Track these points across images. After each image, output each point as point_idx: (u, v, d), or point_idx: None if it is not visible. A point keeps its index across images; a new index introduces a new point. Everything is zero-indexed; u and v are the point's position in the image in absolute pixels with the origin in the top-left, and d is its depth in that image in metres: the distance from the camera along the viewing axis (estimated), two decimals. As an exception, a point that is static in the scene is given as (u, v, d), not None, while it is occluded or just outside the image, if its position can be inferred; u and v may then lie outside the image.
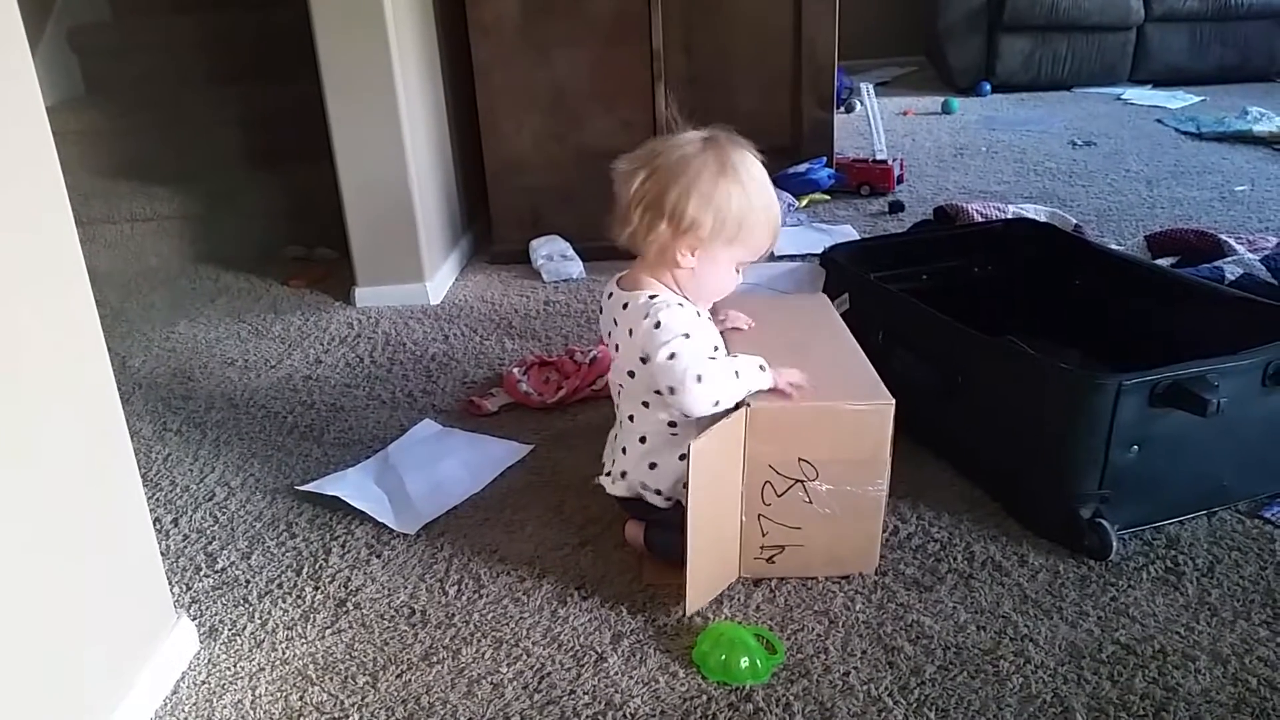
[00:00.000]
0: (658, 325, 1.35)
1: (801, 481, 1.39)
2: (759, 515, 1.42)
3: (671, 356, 1.33)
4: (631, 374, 1.42)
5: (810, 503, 1.41)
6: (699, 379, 1.32)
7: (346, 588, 1.51)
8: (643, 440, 1.45)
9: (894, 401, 1.37)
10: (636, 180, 1.37)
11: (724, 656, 1.28)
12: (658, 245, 1.39)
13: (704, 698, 1.26)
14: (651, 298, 1.39)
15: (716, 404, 1.35)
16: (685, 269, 1.40)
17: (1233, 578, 1.42)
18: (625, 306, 1.42)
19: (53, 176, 1.16)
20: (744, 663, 1.27)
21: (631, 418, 1.46)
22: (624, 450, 1.48)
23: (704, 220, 1.35)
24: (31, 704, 1.09)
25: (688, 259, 1.39)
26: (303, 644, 1.40)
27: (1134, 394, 1.41)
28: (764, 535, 1.43)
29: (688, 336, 1.35)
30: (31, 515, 1.10)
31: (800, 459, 1.38)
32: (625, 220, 1.39)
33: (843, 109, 4.38)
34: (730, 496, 1.40)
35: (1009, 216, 2.60)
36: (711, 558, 1.40)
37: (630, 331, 1.39)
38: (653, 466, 1.45)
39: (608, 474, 1.52)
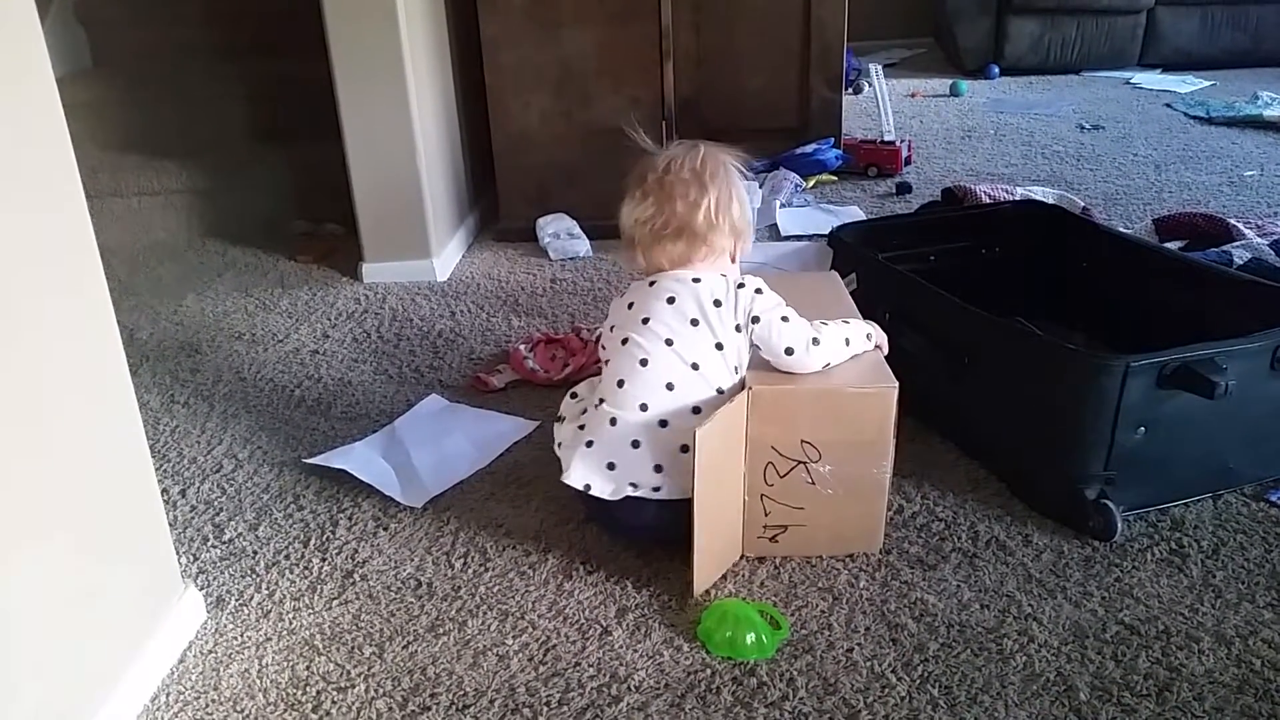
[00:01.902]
0: (759, 291, 1.42)
1: (804, 463, 1.40)
2: (761, 495, 1.42)
3: (786, 319, 1.41)
4: (720, 345, 1.40)
5: (813, 484, 1.41)
6: (815, 341, 1.40)
7: (353, 559, 1.51)
8: None
9: (897, 384, 1.38)
10: (708, 197, 1.43)
11: (729, 633, 1.28)
12: (729, 247, 1.47)
13: (708, 671, 1.26)
14: (723, 275, 1.44)
15: (827, 365, 1.41)
16: (735, 262, 1.48)
17: (1237, 560, 1.42)
18: (697, 280, 1.42)
19: (63, 149, 1.16)
20: (750, 639, 1.28)
21: (698, 409, 1.39)
22: (683, 449, 1.38)
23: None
24: (40, 672, 1.10)
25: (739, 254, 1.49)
26: (310, 614, 1.40)
27: (1141, 375, 1.41)
28: (766, 515, 1.44)
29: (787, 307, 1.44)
30: (41, 485, 1.11)
31: (803, 441, 1.39)
32: (708, 233, 1.44)
33: (851, 90, 4.36)
34: (733, 477, 1.40)
35: (1017, 198, 2.59)
36: (716, 537, 1.41)
37: (717, 302, 1.41)
38: None
39: (655, 488, 1.40)
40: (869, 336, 1.48)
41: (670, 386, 1.40)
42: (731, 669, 1.26)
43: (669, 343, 1.40)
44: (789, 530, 1.44)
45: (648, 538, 1.46)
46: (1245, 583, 1.38)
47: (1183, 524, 1.50)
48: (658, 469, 1.40)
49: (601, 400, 1.43)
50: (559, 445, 1.51)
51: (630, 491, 1.39)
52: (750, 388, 1.37)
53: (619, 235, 1.52)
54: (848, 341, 1.44)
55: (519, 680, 1.27)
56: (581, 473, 1.42)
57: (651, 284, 1.45)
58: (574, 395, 1.55)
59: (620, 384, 1.41)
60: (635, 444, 1.40)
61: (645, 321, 1.42)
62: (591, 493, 1.41)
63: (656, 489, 1.39)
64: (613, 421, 1.41)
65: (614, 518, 1.46)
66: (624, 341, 1.43)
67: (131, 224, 3.06)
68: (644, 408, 1.40)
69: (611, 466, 1.41)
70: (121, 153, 3.15)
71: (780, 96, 3.35)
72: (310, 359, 2.20)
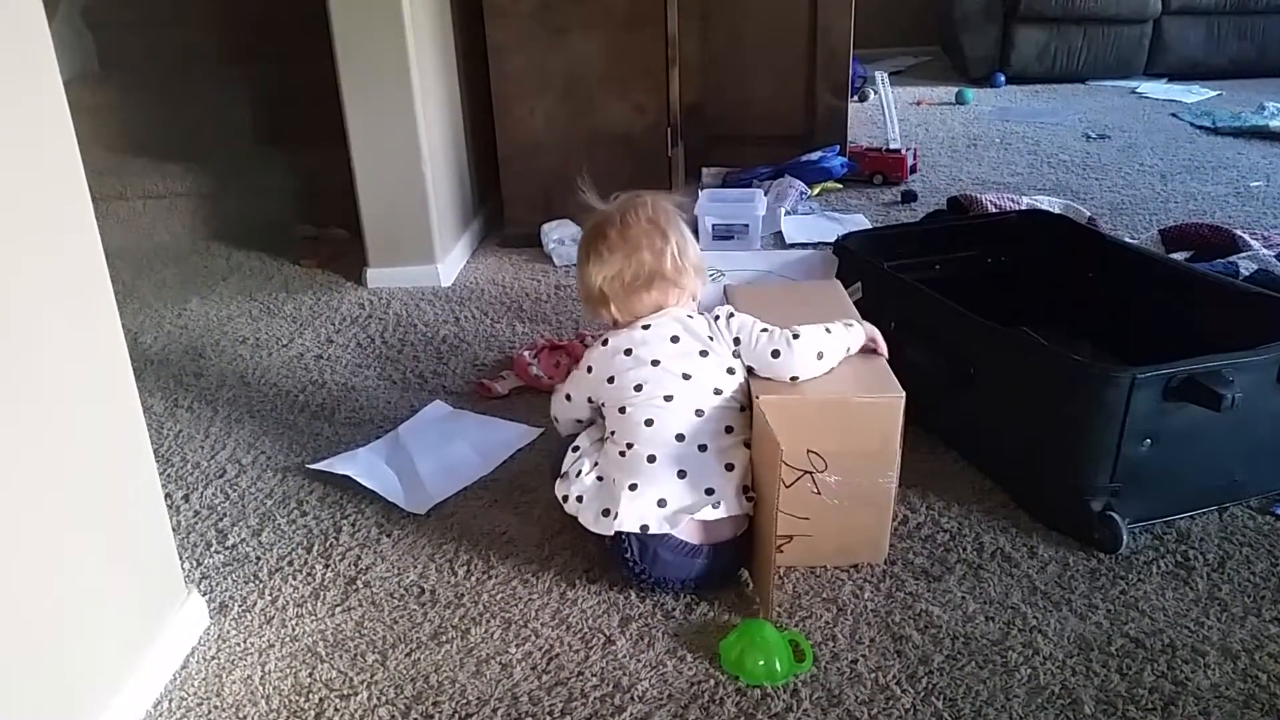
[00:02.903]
0: (732, 315, 1.48)
1: (810, 473, 1.39)
2: None
3: (765, 330, 1.45)
4: (731, 370, 1.44)
5: (819, 494, 1.40)
6: (796, 336, 1.43)
7: (357, 566, 1.51)
8: (749, 442, 1.43)
9: (904, 394, 1.37)
10: (670, 243, 1.48)
11: (740, 652, 1.27)
12: (694, 288, 1.52)
13: (711, 682, 1.26)
14: (701, 313, 1.51)
15: (821, 356, 1.43)
16: (696, 301, 1.54)
17: (1243, 574, 1.42)
18: (691, 317, 1.48)
19: (70, 152, 1.16)
20: (760, 663, 1.26)
21: (730, 429, 1.42)
22: (729, 468, 1.39)
23: None
24: (41, 676, 1.10)
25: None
26: (313, 621, 1.40)
27: (1148, 388, 1.40)
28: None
29: None
30: (45, 489, 1.11)
31: (809, 451, 1.38)
32: (677, 277, 1.49)
33: (856, 97, 4.37)
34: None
35: (1023, 208, 2.59)
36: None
37: (711, 338, 1.46)
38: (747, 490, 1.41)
39: (714, 505, 1.38)
40: (849, 326, 1.47)
41: (700, 413, 1.41)
42: (735, 680, 1.26)
43: (687, 376, 1.42)
44: (794, 540, 1.44)
45: (697, 573, 1.39)
46: (1251, 596, 1.37)
47: (1188, 537, 1.50)
48: (709, 491, 1.38)
49: (630, 444, 1.40)
50: (577, 499, 1.43)
51: (689, 516, 1.36)
52: (757, 398, 1.37)
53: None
54: (828, 330, 1.45)
55: (522, 689, 1.26)
56: (634, 515, 1.36)
57: (646, 327, 1.47)
58: (575, 449, 1.49)
59: (649, 423, 1.40)
60: (682, 474, 1.38)
61: (656, 364, 1.43)
62: (651, 531, 1.36)
63: (715, 505, 1.37)
64: (651, 459, 1.39)
65: (663, 560, 1.37)
66: (638, 388, 1.42)
67: (136, 227, 3.06)
68: (680, 438, 1.40)
69: (663, 503, 1.37)
70: (127, 156, 3.15)
71: (786, 104, 3.37)
72: (314, 364, 2.20)
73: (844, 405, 1.39)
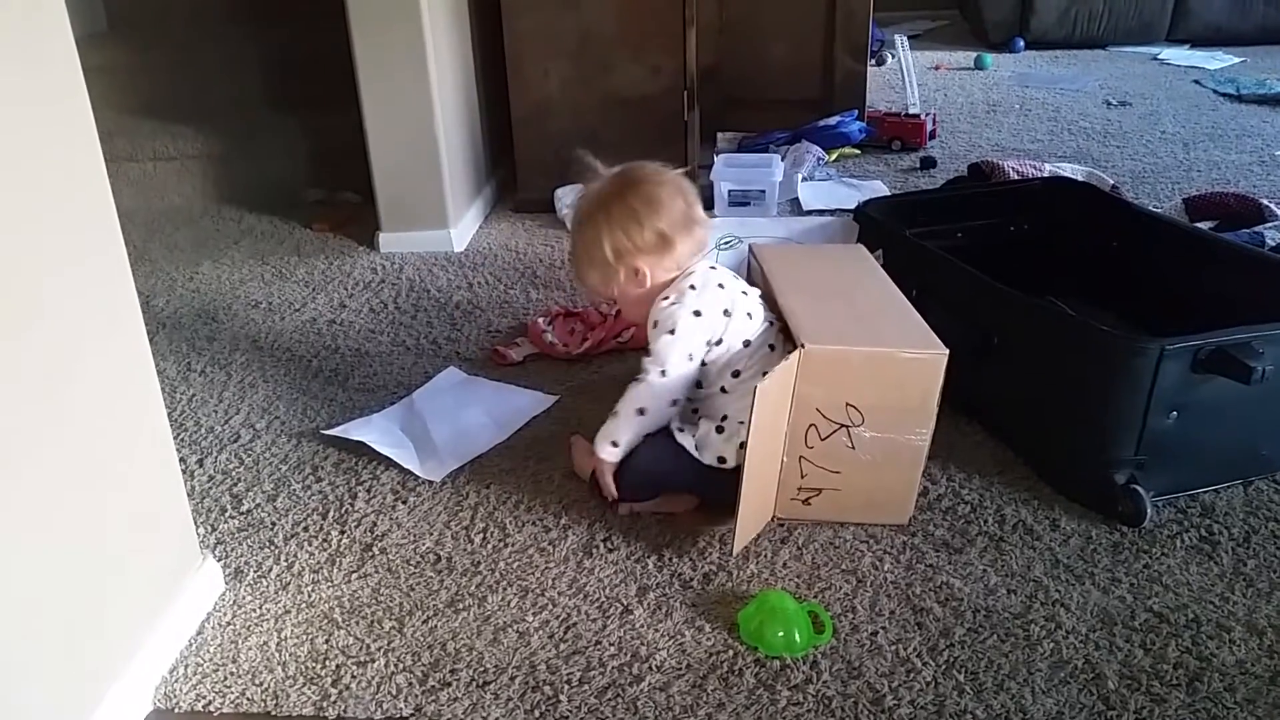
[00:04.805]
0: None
1: (847, 426, 1.38)
2: (800, 457, 1.41)
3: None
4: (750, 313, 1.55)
5: (853, 448, 1.40)
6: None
7: (372, 532, 1.50)
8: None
9: (947, 351, 1.36)
10: (695, 197, 1.56)
11: (760, 623, 1.26)
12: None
13: (730, 653, 1.25)
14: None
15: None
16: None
17: (1269, 548, 1.40)
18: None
19: (82, 112, 1.14)
20: (780, 634, 1.25)
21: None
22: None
23: None
24: (57, 642, 1.09)
25: None
26: (329, 587, 1.39)
27: (1176, 359, 1.38)
28: (803, 477, 1.43)
29: None
30: (59, 453, 1.09)
31: (848, 404, 1.37)
32: (705, 227, 1.56)
33: (874, 61, 4.30)
34: (775, 438, 1.38)
35: (1046, 175, 2.55)
36: (757, 498, 1.40)
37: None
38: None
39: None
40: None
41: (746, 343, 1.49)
42: (755, 650, 1.25)
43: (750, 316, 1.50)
44: (823, 494, 1.43)
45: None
46: (1277, 571, 1.36)
47: (1213, 510, 1.48)
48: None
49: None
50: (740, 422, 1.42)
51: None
52: (803, 346, 1.35)
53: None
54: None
55: (540, 657, 1.26)
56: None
57: (710, 269, 1.53)
58: (681, 430, 1.49)
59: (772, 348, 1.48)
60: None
61: (728, 313, 1.47)
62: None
63: None
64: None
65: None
66: (750, 315, 1.49)
67: (147, 189, 3.04)
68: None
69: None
70: (137, 116, 3.12)
71: (804, 67, 3.32)
72: (327, 329, 2.18)
73: (889, 359, 1.37)
